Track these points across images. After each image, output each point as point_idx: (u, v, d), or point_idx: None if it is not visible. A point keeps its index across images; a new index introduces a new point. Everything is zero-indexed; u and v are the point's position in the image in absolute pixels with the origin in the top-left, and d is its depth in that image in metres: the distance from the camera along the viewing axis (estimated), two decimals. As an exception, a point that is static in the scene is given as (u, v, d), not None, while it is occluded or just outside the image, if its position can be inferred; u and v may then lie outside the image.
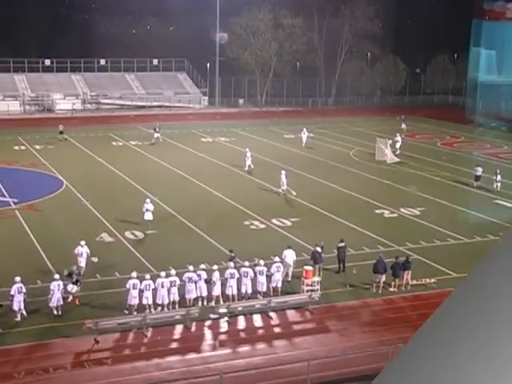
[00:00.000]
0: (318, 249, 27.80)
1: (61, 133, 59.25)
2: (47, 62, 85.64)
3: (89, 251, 27.28)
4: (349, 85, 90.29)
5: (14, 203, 38.79)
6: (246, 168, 47.25)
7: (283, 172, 41.33)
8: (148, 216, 33.56)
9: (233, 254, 27.25)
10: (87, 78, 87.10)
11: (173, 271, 25.03)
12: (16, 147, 56.81)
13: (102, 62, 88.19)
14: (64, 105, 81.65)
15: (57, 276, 24.28)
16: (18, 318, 23.55)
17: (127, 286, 24.18)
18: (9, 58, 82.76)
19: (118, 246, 31.59)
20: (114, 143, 59.63)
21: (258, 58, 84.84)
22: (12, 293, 23.49)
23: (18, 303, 23.52)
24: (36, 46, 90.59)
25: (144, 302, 24.22)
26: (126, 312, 24.21)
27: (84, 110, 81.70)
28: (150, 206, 33.70)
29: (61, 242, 31.89)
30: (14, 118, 74.76)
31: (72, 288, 24.68)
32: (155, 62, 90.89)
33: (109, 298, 25.36)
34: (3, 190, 41.65)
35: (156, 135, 58.93)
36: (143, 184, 43.32)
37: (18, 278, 23.88)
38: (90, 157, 52.94)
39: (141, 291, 24.14)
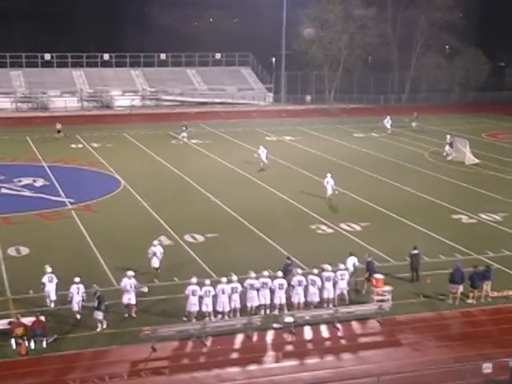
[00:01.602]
0: (370, 258, 27.52)
1: (58, 132, 60.49)
2: (106, 56, 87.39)
3: (136, 282, 25.10)
4: (424, 80, 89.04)
5: (71, 203, 39.69)
6: (262, 165, 48.47)
7: (329, 175, 40.90)
8: (155, 262, 28.50)
9: (289, 262, 27.14)
10: (147, 73, 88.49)
11: (234, 277, 25.11)
12: (73, 145, 58.14)
13: (163, 56, 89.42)
14: (123, 101, 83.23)
15: (77, 279, 24.74)
16: (78, 317, 24.39)
17: (186, 292, 24.35)
18: (67, 52, 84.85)
19: (176, 250, 31.86)
20: (173, 142, 60.35)
21: (327, 52, 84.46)
22: (72, 291, 24.48)
23: (77, 304, 24.42)
24: (95, 39, 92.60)
25: (204, 309, 24.35)
26: (185, 319, 24.37)
27: (143, 107, 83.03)
28: (158, 250, 28.71)
29: (118, 244, 32.51)
30: (72, 114, 76.55)
31: (98, 315, 23.76)
32: (218, 56, 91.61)
33: (167, 305, 25.63)
34: (60, 189, 42.68)
35: (183, 134, 59.91)
36: (204, 184, 43.70)
37: (77, 279, 24.72)
38: (149, 156, 53.74)
39: (200, 298, 24.28)
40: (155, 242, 29.11)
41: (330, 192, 40.16)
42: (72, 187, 43.16)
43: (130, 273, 25.08)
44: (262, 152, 48.94)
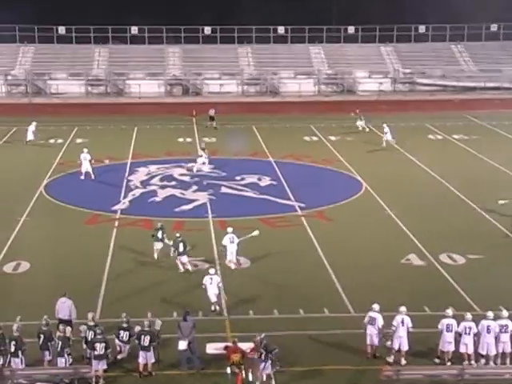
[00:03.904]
0: None
1: (211, 119, 62.13)
2: (350, 29, 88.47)
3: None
4: None
5: (301, 208, 40.66)
6: (384, 144, 54.13)
7: None
8: None
9: None
10: (400, 50, 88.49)
11: (504, 312, 24.47)
12: (307, 138, 59.61)
13: (421, 28, 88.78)
14: (368, 85, 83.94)
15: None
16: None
17: (440, 326, 24.16)
18: (304, 25, 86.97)
19: (429, 273, 31.67)
20: (430, 136, 59.86)
21: None
22: None
23: None
24: (337, 9, 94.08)
25: (462, 349, 24.00)
26: (437, 361, 24.19)
27: (394, 92, 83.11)
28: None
29: (355, 261, 32.85)
30: (306, 100, 78.44)
31: (266, 368, 22.60)
32: (494, 27, 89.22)
33: (414, 341, 25.38)
34: (288, 191, 43.92)
35: (359, 123, 60.82)
36: (467, 191, 43.00)
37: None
38: (399, 153, 53.67)
39: (458, 335, 23.96)
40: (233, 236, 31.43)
41: None
42: (303, 189, 44.19)
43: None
44: (386, 133, 54.47)
